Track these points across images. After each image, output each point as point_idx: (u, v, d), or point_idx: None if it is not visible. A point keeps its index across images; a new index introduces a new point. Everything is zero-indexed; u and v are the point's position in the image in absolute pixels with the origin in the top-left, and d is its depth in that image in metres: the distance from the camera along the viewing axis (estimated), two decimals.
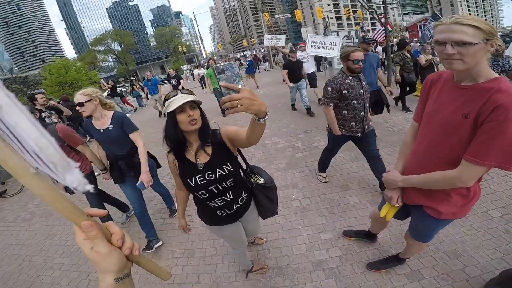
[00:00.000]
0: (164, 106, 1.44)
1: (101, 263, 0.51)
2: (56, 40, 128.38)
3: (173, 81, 9.41)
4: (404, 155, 1.60)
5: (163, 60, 73.39)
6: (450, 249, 2.32)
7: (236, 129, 1.47)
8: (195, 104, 1.42)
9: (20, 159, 0.44)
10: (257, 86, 12.70)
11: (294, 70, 6.65)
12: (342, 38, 10.82)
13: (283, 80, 12.01)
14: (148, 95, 9.93)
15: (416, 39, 18.73)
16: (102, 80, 14.68)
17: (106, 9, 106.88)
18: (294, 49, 7.26)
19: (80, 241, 0.51)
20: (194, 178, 1.49)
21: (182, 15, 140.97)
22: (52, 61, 36.83)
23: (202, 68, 16.20)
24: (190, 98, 1.36)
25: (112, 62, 73.58)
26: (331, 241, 2.61)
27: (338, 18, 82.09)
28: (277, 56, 15.97)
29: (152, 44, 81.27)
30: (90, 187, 0.33)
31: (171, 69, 10.00)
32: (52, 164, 0.31)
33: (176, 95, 1.39)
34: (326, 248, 2.53)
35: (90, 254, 0.50)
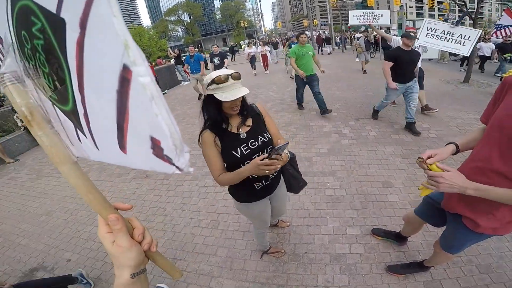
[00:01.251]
0: (210, 85, 1.36)
1: (121, 257, 0.50)
2: (136, 9, 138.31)
3: (216, 60, 8.05)
4: (471, 137, 1.36)
5: (226, 33, 74.30)
6: (484, 263, 2.10)
7: (270, 121, 1.67)
8: None
9: (64, 147, 0.49)
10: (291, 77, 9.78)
11: (406, 65, 4.19)
12: (418, 28, 9.59)
13: (361, 71, 10.44)
14: (190, 74, 8.49)
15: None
16: (169, 48, 15.47)
17: None
18: (411, 33, 4.21)
19: (102, 234, 0.51)
20: (239, 148, 1.50)
21: None
22: (130, 28, 40.16)
23: (253, 46, 13.22)
24: (243, 92, 1.36)
25: (181, 33, 76.57)
26: (356, 237, 2.44)
27: (419, 8, 73.24)
28: (357, 40, 12.54)
29: (217, 17, 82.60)
30: (191, 170, 0.36)
31: (215, 46, 8.66)
32: (174, 147, 0.33)
33: (227, 81, 1.35)
34: (349, 243, 2.38)
35: (111, 248, 0.50)
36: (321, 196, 3.02)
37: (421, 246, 2.27)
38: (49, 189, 4.37)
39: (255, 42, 22.43)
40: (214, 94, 1.35)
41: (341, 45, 22.24)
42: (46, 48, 0.40)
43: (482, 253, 2.16)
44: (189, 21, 68.25)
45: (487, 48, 10.26)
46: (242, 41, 44.14)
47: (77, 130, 0.48)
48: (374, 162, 3.58)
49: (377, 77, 8.39)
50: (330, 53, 19.50)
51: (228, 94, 1.33)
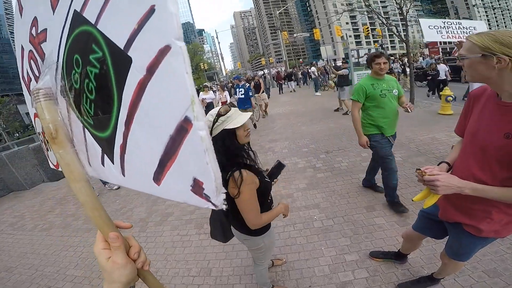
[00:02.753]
0: (217, 121, 1.39)
1: (115, 273, 0.53)
2: None
3: None
4: (455, 155, 1.52)
5: None
6: (489, 268, 2.24)
7: None
8: None
9: (80, 166, 0.53)
10: (254, 125, 8.90)
11: None
12: (362, 56, 10.71)
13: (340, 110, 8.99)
14: None
15: (436, 56, 18.64)
16: None
17: None
18: None
19: (98, 250, 0.55)
20: (266, 177, 1.61)
21: (204, 32, 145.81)
22: None
23: (210, 91, 9.49)
24: (247, 115, 1.44)
25: None
26: (356, 262, 2.55)
27: (357, 36, 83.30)
28: (330, 74, 11.20)
29: None
30: (225, 206, 0.41)
31: None
32: (216, 189, 0.38)
33: (231, 109, 1.41)
34: (352, 270, 2.48)
35: (106, 263, 0.53)
36: (310, 229, 3.14)
37: (422, 261, 2.41)
38: (5, 246, 4.11)
39: (216, 84, 20.44)
40: (227, 127, 1.37)
41: (302, 81, 21.97)
42: (99, 77, 0.43)
43: (482, 259, 2.30)
44: None
45: (442, 71, 10.25)
46: (206, 83, 44.65)
47: (105, 155, 0.52)
48: (352, 190, 3.86)
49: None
50: (293, 91, 18.41)
51: (239, 119, 1.38)
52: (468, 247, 1.56)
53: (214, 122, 1.38)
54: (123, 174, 0.50)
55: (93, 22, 0.41)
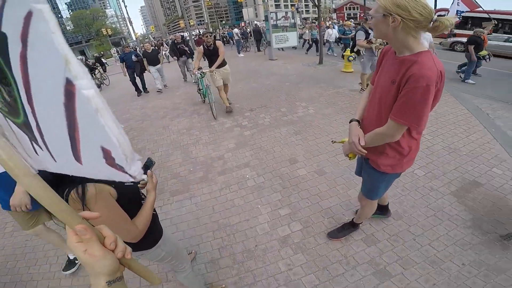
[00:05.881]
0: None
1: (95, 265, 0.48)
2: None
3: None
4: (361, 107, 1.65)
5: (83, 44, 63.12)
6: (392, 211, 2.42)
7: None
8: None
9: (21, 160, 0.44)
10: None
11: None
12: (279, 19, 10.48)
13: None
14: None
15: (341, 21, 19.22)
16: None
17: None
18: None
19: (72, 244, 0.48)
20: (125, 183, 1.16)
21: None
22: None
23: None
24: None
25: None
26: (289, 216, 2.59)
27: (277, 0, 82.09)
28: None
29: (68, 28, 68.23)
30: (144, 176, 0.31)
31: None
32: (124, 156, 0.33)
33: None
34: (287, 223, 2.51)
35: (83, 257, 0.47)
36: (245, 189, 3.06)
37: (341, 208, 2.56)
38: None
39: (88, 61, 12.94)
40: None
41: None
42: None
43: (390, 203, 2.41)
44: None
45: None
46: (113, 49, 38.03)
47: (32, 142, 0.45)
48: (276, 145, 3.88)
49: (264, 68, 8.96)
50: (242, 55, 14.20)
51: None
52: (373, 183, 1.71)
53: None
54: (54, 159, 0.44)
55: None
